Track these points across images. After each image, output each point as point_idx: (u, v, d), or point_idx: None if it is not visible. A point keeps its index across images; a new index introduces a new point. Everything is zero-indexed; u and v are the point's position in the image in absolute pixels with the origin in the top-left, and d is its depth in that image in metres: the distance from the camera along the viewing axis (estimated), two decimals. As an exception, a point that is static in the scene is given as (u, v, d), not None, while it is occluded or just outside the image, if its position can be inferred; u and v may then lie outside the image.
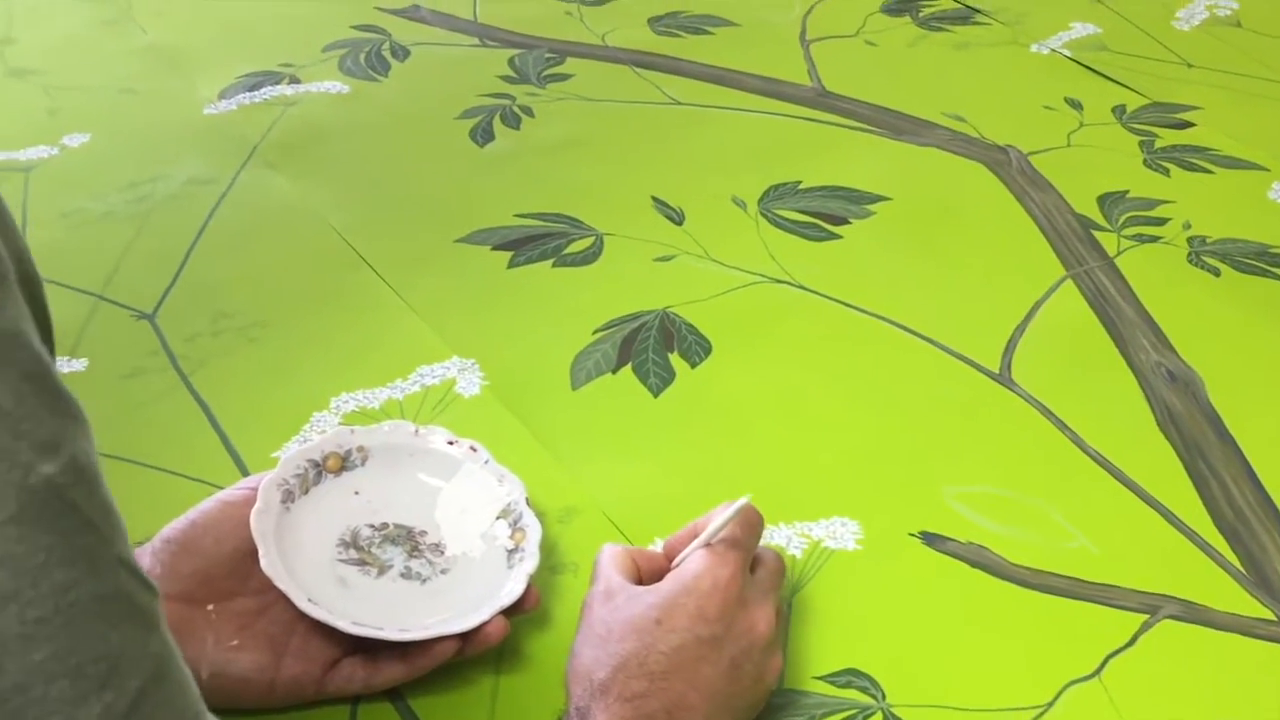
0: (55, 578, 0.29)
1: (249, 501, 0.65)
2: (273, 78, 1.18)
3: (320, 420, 0.81)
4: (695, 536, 0.61)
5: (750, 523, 0.61)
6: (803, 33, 1.30)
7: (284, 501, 0.67)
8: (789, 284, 0.94)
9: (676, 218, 1.01)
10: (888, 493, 0.77)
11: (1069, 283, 0.94)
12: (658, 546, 0.68)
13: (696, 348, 0.88)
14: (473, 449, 0.72)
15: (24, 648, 0.28)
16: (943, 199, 1.04)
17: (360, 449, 0.72)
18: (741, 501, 0.61)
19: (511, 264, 0.96)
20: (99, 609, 0.30)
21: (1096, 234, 0.99)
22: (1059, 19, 1.32)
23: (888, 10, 1.35)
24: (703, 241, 0.98)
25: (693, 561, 0.58)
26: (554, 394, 0.84)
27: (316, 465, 0.70)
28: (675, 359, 0.87)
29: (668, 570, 0.61)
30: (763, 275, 0.95)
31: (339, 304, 0.92)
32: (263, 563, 0.62)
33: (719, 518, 0.60)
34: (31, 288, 0.33)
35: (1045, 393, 0.84)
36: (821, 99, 1.18)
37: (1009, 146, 1.11)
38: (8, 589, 0.28)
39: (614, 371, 0.86)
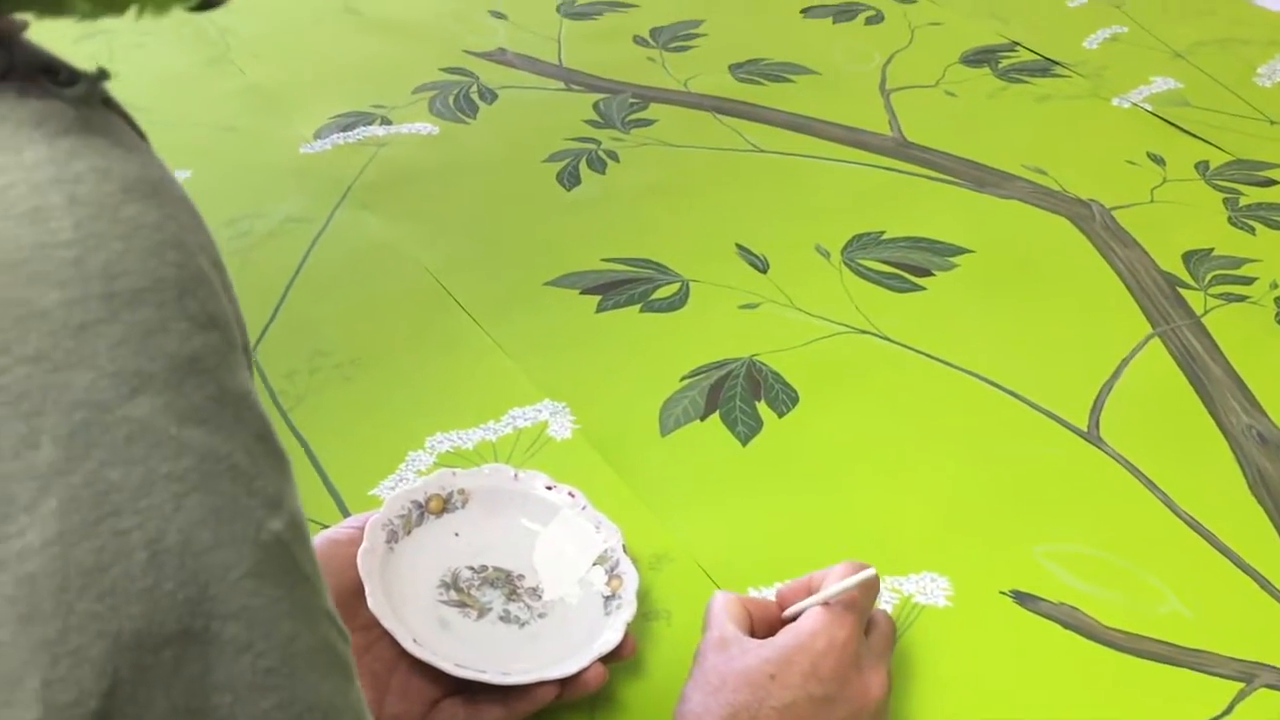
0: (283, 629, 0.30)
1: (355, 541, 0.67)
2: (365, 118, 1.21)
3: (415, 459, 0.83)
4: (809, 589, 0.62)
5: (868, 585, 0.62)
6: (883, 82, 1.31)
7: (388, 541, 0.69)
8: (874, 335, 0.95)
9: (761, 265, 1.02)
10: (978, 549, 0.77)
11: (1156, 341, 0.94)
12: (769, 594, 0.69)
13: (784, 397, 0.89)
14: (571, 494, 0.73)
15: (254, 696, 0.30)
16: (1026, 252, 1.05)
17: (461, 491, 0.73)
18: (868, 572, 0.61)
19: (599, 308, 0.97)
20: (314, 659, 0.32)
21: (1182, 291, 1.00)
22: (1139, 73, 1.33)
23: (967, 61, 1.35)
24: (787, 290, 1.00)
25: (809, 619, 0.58)
26: (643, 439, 0.85)
27: (419, 506, 0.72)
28: (762, 408, 0.88)
29: (780, 619, 0.62)
30: (847, 326, 0.96)
31: (431, 343, 0.94)
32: (370, 602, 0.64)
33: (840, 578, 0.60)
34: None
35: (1134, 452, 0.84)
36: (903, 149, 1.19)
37: (1092, 201, 1.11)
38: (243, 640, 0.29)
39: (702, 419, 0.87)
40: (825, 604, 0.61)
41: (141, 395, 0.28)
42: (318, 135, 1.18)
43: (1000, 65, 1.34)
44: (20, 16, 0.30)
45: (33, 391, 0.27)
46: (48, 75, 0.29)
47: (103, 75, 0.30)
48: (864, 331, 0.95)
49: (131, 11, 0.30)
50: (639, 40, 1.37)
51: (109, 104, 0.31)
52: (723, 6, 1.45)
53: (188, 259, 0.30)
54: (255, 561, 0.30)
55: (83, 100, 0.29)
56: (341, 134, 1.19)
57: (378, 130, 1.19)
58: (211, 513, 0.29)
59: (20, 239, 0.27)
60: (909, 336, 0.95)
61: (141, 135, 0.32)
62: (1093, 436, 0.85)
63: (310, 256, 1.03)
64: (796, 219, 1.09)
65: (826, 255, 1.04)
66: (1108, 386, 0.90)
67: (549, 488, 0.74)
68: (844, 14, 1.45)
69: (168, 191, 0.31)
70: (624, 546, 0.71)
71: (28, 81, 0.28)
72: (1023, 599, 0.73)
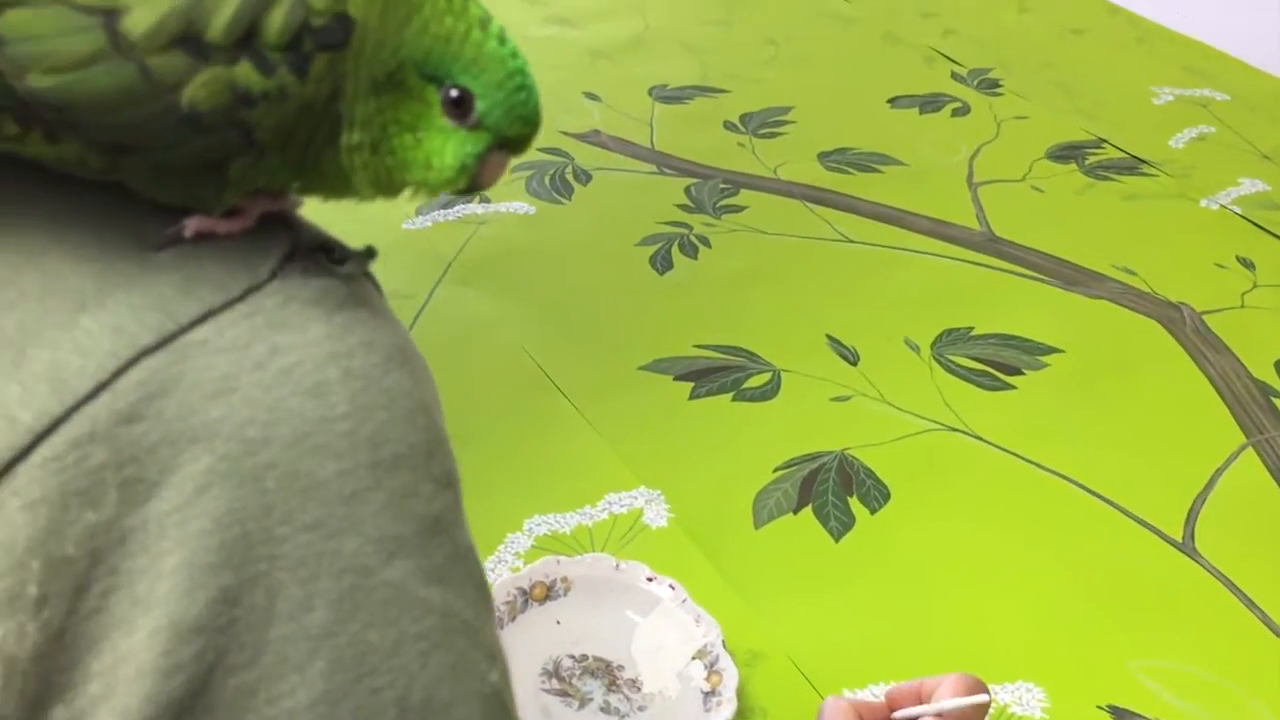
0: None
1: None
2: (464, 196, 1.25)
3: (514, 541, 0.84)
4: (920, 695, 0.62)
5: (982, 707, 0.62)
6: (970, 175, 1.33)
7: (495, 627, 0.70)
8: (965, 433, 0.96)
9: (851, 357, 1.04)
10: (1073, 660, 0.77)
11: (1250, 451, 0.94)
12: (864, 696, 0.69)
13: (875, 493, 0.90)
14: (671, 587, 0.75)
15: None
16: (1116, 355, 1.05)
17: (564, 579, 0.75)
18: (984, 697, 0.62)
19: (693, 395, 0.99)
20: None
21: (1276, 401, 1.00)
22: (1227, 174, 1.33)
23: (1054, 156, 1.37)
24: (877, 384, 1.01)
25: (924, 730, 0.59)
26: (737, 530, 0.86)
27: (524, 593, 0.73)
28: (854, 503, 0.89)
29: None
30: (938, 423, 0.97)
31: (528, 423, 0.96)
32: (478, 689, 0.65)
33: (953, 689, 0.61)
34: None
35: (1230, 566, 0.84)
36: (991, 244, 1.20)
37: (1182, 304, 1.12)
38: None
39: (795, 512, 0.88)
40: (938, 716, 0.61)
41: (397, 559, 0.29)
42: (420, 211, 1.21)
43: (1087, 162, 1.36)
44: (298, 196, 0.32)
45: (309, 558, 0.28)
46: (324, 253, 0.31)
47: (370, 254, 0.32)
48: (954, 429, 0.96)
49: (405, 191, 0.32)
50: (729, 125, 1.40)
51: (365, 273, 0.33)
52: (811, 93, 1.48)
53: (431, 421, 0.31)
54: (481, 714, 0.31)
55: (351, 276, 0.31)
56: (442, 211, 1.22)
57: (477, 209, 1.23)
58: (449, 669, 0.30)
59: (305, 413, 0.28)
60: (1000, 436, 0.96)
61: (381, 293, 0.34)
62: (1188, 548, 0.85)
63: (413, 332, 1.06)
64: (886, 311, 1.10)
65: (916, 349, 1.05)
66: (1201, 497, 0.90)
67: (650, 579, 0.75)
68: (930, 105, 1.47)
69: (413, 355, 0.32)
70: (723, 641, 0.72)
71: (309, 260, 0.30)
72: (1121, 715, 0.73)
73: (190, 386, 0.27)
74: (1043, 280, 1.15)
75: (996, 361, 1.04)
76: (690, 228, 1.21)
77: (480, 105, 0.30)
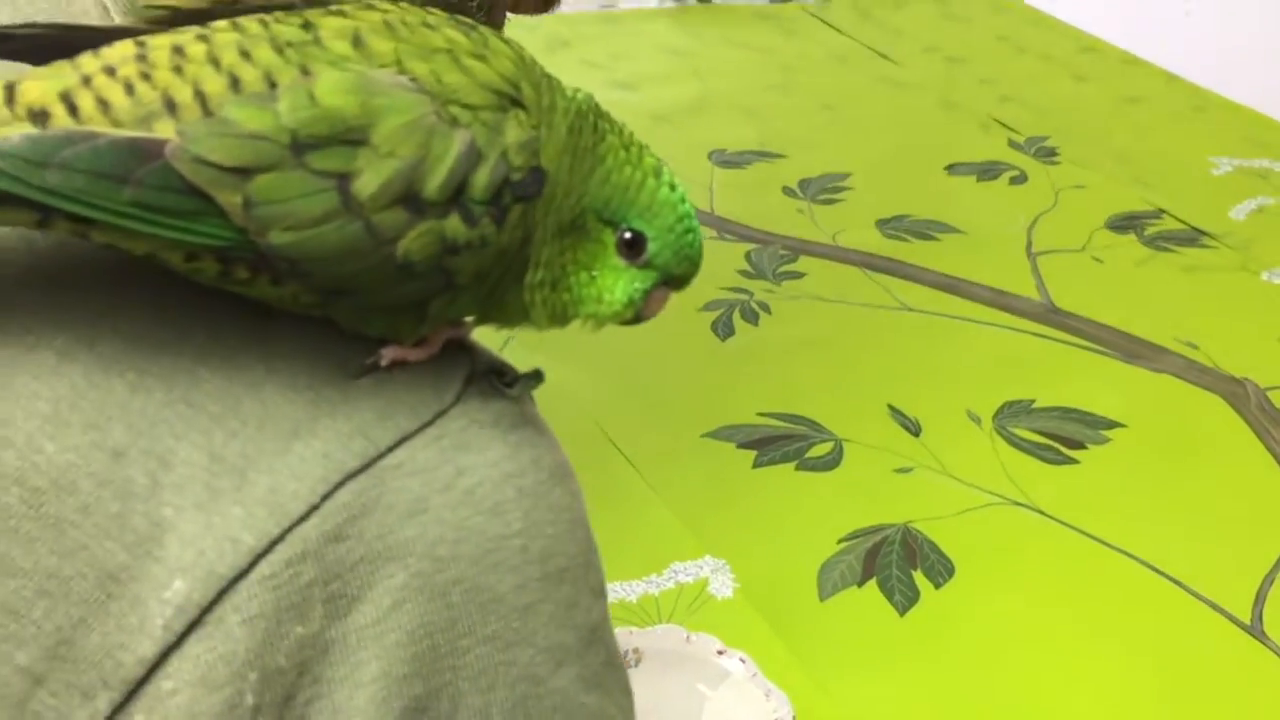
0: None
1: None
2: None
3: (580, 608, 0.85)
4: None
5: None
6: (1029, 244, 1.33)
7: (567, 698, 0.71)
8: (1029, 508, 0.96)
9: (913, 429, 1.04)
10: (1141, 743, 0.77)
11: (1317, 531, 0.94)
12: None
13: (940, 568, 0.90)
14: (741, 660, 0.75)
15: None
16: (1181, 430, 1.05)
17: (635, 650, 0.75)
18: None
19: (756, 463, 1.00)
20: None
21: (1343, 481, 0.99)
22: (1289, 246, 1.33)
23: (1113, 227, 1.37)
24: (940, 456, 1.01)
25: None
26: (803, 602, 0.87)
27: (596, 664, 0.74)
28: (919, 577, 0.89)
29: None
30: (1002, 497, 0.97)
31: (595, 490, 0.96)
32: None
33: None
34: None
35: (1300, 651, 0.83)
36: (1051, 315, 1.21)
37: (1245, 379, 1.11)
38: None
39: (860, 585, 0.89)
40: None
41: (563, 667, 0.31)
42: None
43: (1146, 232, 1.36)
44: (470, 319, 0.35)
45: (488, 669, 0.30)
46: (496, 375, 0.33)
47: (539, 377, 0.34)
48: (1018, 504, 0.96)
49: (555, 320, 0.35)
50: (788, 191, 1.42)
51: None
52: (868, 159, 1.49)
53: (587, 534, 0.33)
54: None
55: (520, 397, 0.33)
56: (507, 274, 1.24)
57: (541, 271, 1.24)
58: None
59: (486, 532, 0.31)
60: (1063, 512, 0.96)
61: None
62: (1256, 630, 0.85)
63: (478, 395, 1.07)
64: (947, 382, 1.11)
65: (978, 421, 1.05)
66: (1269, 578, 0.90)
67: (720, 652, 0.76)
68: (987, 173, 1.48)
69: (570, 470, 0.34)
70: (793, 716, 0.73)
71: (484, 383, 0.32)
72: (1191, 801, 0.73)
73: (387, 508, 0.30)
74: (1105, 353, 1.15)
75: (1059, 435, 1.04)
76: (751, 294, 1.22)
77: (651, 246, 0.33)
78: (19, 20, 0.33)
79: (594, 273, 0.34)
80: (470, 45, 0.31)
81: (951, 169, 1.49)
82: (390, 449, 0.30)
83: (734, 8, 1.93)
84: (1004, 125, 1.59)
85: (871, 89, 1.69)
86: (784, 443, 1.03)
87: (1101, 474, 1.00)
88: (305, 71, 0.29)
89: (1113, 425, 1.05)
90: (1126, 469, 1.01)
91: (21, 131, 0.27)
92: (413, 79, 0.29)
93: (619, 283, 0.34)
